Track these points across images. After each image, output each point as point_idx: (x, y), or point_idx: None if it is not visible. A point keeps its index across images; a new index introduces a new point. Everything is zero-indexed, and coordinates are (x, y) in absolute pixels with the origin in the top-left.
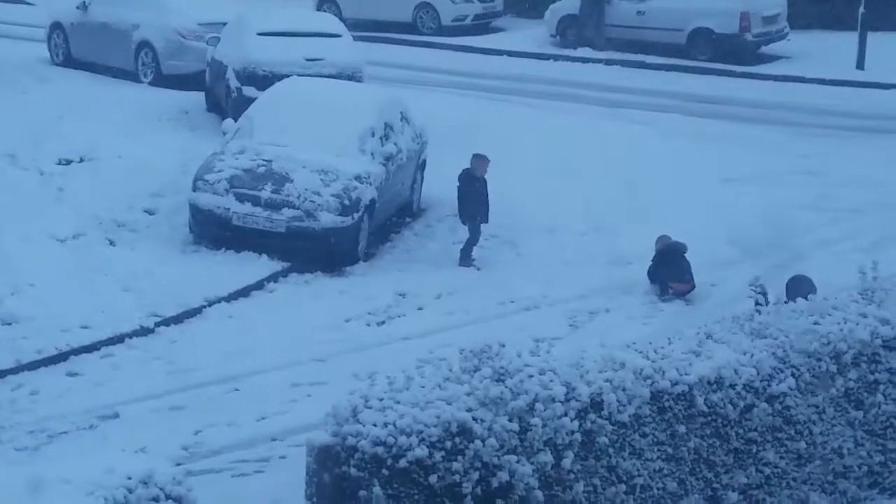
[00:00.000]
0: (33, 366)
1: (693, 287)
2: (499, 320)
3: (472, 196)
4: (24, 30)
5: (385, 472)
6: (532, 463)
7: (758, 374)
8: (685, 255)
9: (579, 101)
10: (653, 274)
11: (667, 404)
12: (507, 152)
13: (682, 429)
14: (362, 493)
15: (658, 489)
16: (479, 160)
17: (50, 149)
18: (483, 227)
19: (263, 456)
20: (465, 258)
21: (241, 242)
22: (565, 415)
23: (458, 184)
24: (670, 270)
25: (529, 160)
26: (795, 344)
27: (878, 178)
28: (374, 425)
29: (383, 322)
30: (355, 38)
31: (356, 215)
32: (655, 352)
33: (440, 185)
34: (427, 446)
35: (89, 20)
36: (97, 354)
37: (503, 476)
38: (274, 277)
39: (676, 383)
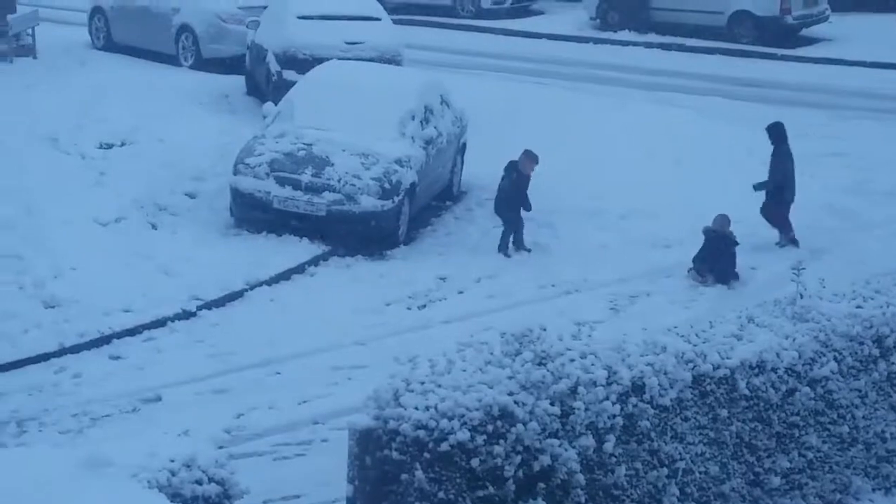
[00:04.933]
0: (76, 349)
1: (704, 278)
2: (539, 304)
3: (517, 191)
4: (65, 14)
5: (427, 455)
6: (574, 447)
7: (800, 357)
8: (725, 244)
9: (619, 85)
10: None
11: (708, 388)
12: (547, 135)
13: (724, 413)
14: (404, 476)
15: (700, 473)
16: (529, 159)
17: (91, 133)
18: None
19: (305, 439)
20: (520, 245)
21: (282, 226)
22: (607, 398)
23: (504, 175)
24: (701, 256)
25: (569, 143)
26: (838, 328)
27: None
28: (416, 409)
29: (424, 306)
30: (395, 22)
31: (396, 199)
32: (697, 335)
33: (480, 169)
34: (469, 430)
35: (130, 4)
36: (139, 338)
37: (545, 460)
38: (315, 261)
39: (718, 367)
